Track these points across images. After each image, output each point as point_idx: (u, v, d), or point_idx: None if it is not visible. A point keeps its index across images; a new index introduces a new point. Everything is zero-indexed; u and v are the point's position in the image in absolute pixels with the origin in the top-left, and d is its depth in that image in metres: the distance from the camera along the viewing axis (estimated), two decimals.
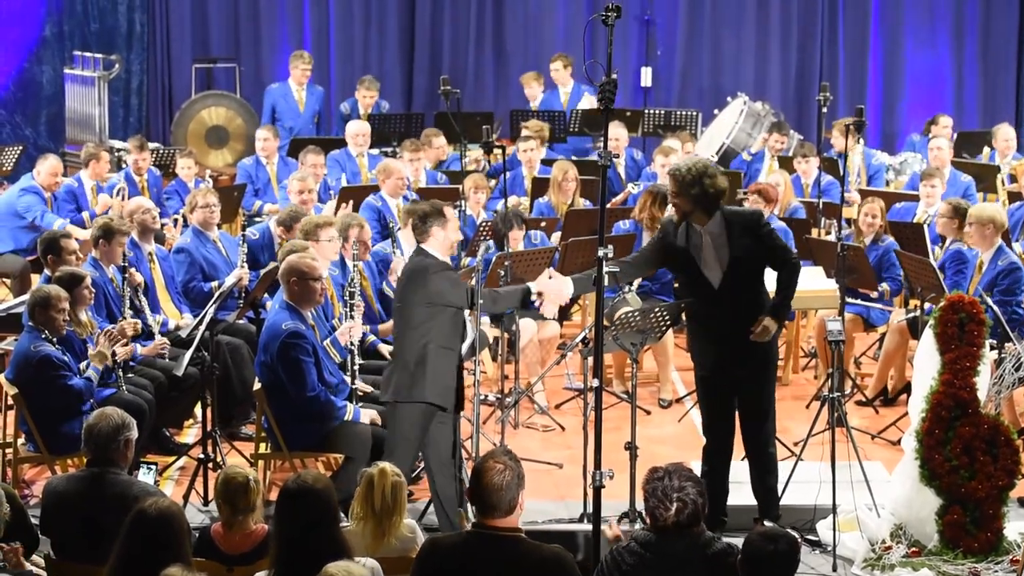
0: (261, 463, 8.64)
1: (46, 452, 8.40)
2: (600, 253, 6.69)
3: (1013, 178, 13.94)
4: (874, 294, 10.84)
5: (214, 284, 10.21)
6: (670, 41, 18.47)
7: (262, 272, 9.77)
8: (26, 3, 17.87)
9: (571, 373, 11.06)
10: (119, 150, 15.39)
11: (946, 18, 18.41)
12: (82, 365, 8.52)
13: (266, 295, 9.90)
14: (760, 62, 18.51)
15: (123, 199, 12.59)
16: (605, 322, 7.37)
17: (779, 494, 8.12)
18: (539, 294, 7.73)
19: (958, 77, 18.42)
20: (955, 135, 15.41)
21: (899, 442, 8.41)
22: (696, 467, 7.74)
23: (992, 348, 8.54)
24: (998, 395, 8.44)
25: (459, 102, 13.29)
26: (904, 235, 11.15)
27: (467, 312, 7.79)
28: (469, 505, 6.12)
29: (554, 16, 18.51)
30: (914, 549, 7.67)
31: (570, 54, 16.68)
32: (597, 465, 6.62)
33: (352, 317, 8.92)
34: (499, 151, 11.31)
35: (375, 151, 14.46)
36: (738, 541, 5.74)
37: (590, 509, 7.23)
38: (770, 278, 7.99)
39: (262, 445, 8.74)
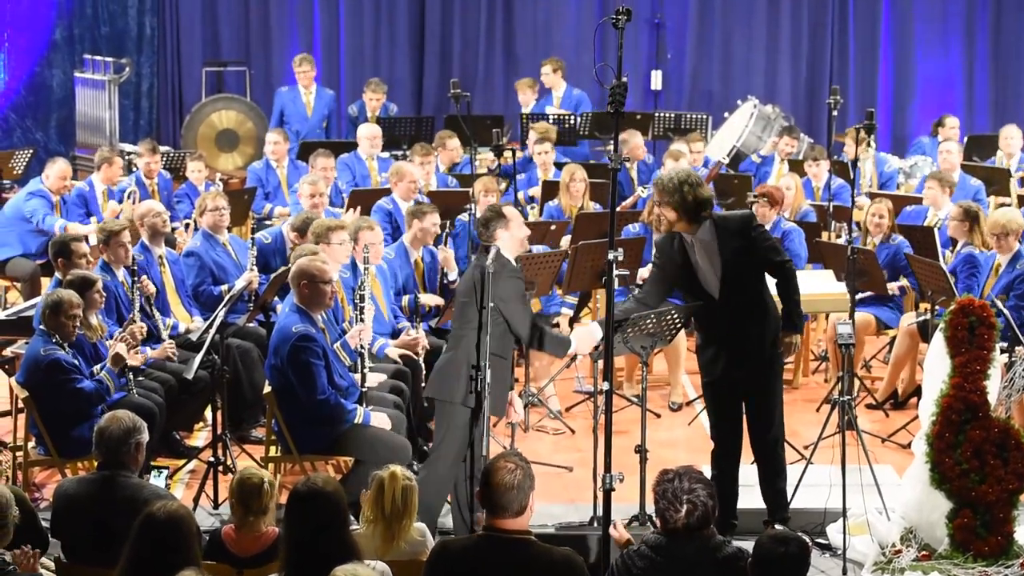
0: (271, 466, 8.64)
1: (56, 455, 8.42)
2: (610, 256, 6.69)
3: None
4: (894, 288, 10.83)
5: (224, 288, 10.22)
6: (680, 44, 18.46)
7: (272, 276, 9.77)
8: (37, 7, 17.91)
9: (581, 376, 11.06)
10: (129, 154, 15.41)
11: (956, 21, 18.36)
12: (96, 367, 8.53)
13: (276, 298, 9.91)
14: (770, 65, 18.48)
15: (133, 202, 12.61)
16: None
17: (789, 497, 8.12)
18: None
19: (968, 80, 18.37)
20: (965, 138, 15.38)
21: (909, 445, 8.38)
22: (706, 471, 7.73)
23: (1003, 352, 8.53)
24: (1008, 399, 8.42)
25: (469, 105, 13.24)
26: (914, 239, 11.13)
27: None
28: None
29: (564, 19, 18.50)
30: (924, 553, 7.65)
31: (580, 57, 16.68)
32: (607, 468, 6.62)
33: (362, 320, 8.92)
34: (509, 154, 11.30)
35: (385, 154, 14.47)
36: (748, 544, 5.74)
37: (600, 512, 7.22)
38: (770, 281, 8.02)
39: (272, 448, 8.75)
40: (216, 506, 8.45)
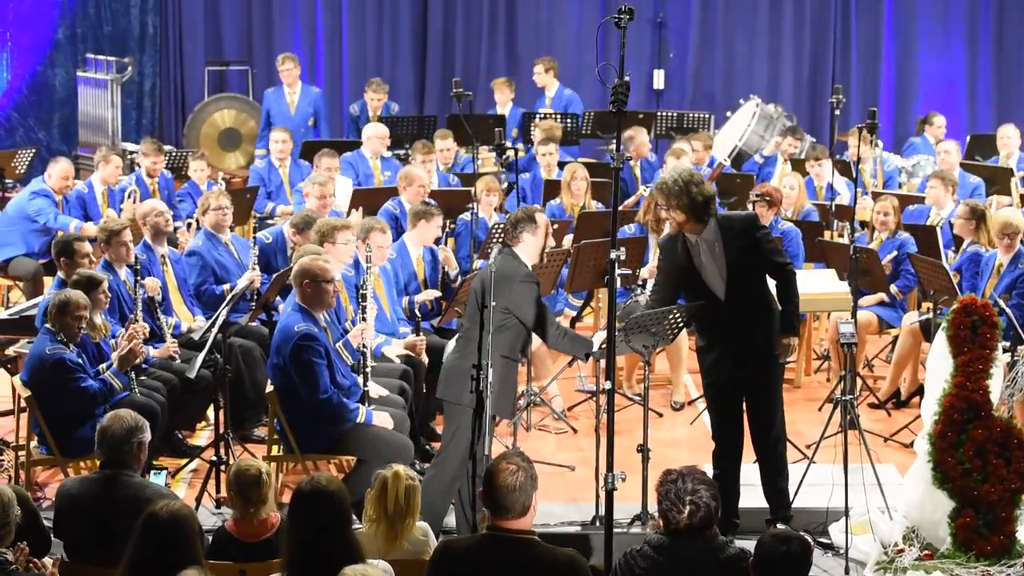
0: (274, 465, 8.63)
1: (59, 455, 8.42)
2: (612, 255, 6.69)
3: None
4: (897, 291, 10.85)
5: (226, 287, 10.22)
6: (683, 43, 18.47)
7: (274, 275, 9.77)
8: (39, 6, 17.93)
9: (583, 375, 11.06)
10: (131, 153, 15.41)
11: (959, 20, 18.37)
12: (102, 367, 8.53)
13: (278, 298, 9.91)
14: (773, 64, 18.49)
15: (134, 202, 12.60)
16: (618, 324, 7.37)
17: (791, 496, 8.12)
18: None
19: (971, 80, 18.38)
20: (968, 138, 15.37)
21: (912, 445, 8.39)
22: (708, 470, 7.73)
23: (1005, 351, 8.52)
24: (1011, 398, 8.42)
25: (471, 105, 13.28)
26: (917, 238, 11.13)
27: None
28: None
29: (566, 18, 18.51)
30: (926, 552, 7.65)
31: (582, 56, 16.67)
32: (609, 468, 6.62)
33: (364, 319, 8.92)
34: (512, 152, 11.29)
35: (387, 153, 14.46)
36: (750, 544, 5.74)
37: (602, 512, 7.22)
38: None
39: (274, 447, 8.74)
40: (218, 505, 8.44)
